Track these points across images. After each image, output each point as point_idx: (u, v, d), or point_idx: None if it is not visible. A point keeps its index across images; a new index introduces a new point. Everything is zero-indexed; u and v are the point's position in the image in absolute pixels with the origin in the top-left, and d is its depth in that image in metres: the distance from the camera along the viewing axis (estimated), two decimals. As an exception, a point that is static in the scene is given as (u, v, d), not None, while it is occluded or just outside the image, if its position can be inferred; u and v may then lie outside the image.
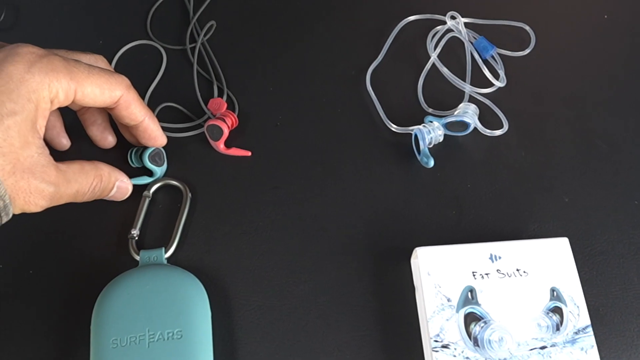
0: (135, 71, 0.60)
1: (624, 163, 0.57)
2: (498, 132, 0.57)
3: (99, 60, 0.51)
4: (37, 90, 0.41)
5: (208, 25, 0.62)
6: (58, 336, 0.49)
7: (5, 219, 0.41)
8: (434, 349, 0.46)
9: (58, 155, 0.45)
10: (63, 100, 0.44)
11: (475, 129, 0.57)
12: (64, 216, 0.53)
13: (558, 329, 0.47)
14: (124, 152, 0.56)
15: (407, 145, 0.57)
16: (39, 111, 0.42)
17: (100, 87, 0.46)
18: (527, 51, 0.62)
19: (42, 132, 0.43)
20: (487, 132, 0.57)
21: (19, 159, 0.40)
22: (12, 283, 0.51)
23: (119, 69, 0.60)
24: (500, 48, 0.62)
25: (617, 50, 0.63)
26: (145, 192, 0.54)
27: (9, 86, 0.40)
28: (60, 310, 0.50)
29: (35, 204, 0.43)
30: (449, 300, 0.48)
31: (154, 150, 0.54)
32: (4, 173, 0.39)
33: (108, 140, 0.55)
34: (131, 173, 0.53)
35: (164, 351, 0.45)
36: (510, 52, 0.62)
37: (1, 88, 0.40)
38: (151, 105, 0.58)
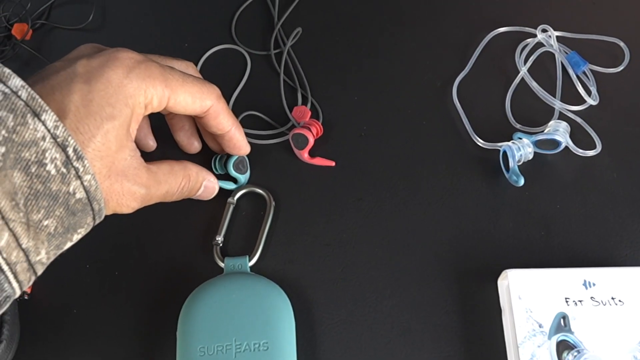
0: (220, 75, 0.61)
1: None
2: (591, 153, 0.55)
3: (190, 67, 0.51)
4: (134, 96, 0.42)
5: (295, 32, 0.62)
6: (142, 340, 0.49)
7: (98, 221, 0.41)
8: (524, 377, 0.45)
9: (144, 156, 0.45)
10: (156, 107, 0.44)
11: (566, 147, 0.56)
12: (150, 218, 0.53)
13: (655, 362, 0.45)
14: (208, 158, 0.56)
15: (494, 162, 0.56)
16: (134, 116, 0.42)
17: (192, 96, 0.46)
18: (620, 68, 0.60)
19: (134, 135, 0.43)
20: (580, 152, 0.55)
21: (114, 162, 0.41)
22: (97, 284, 0.52)
23: (204, 72, 0.60)
24: (593, 64, 0.60)
25: None
26: (230, 199, 0.54)
27: (108, 91, 0.40)
28: (144, 313, 0.50)
29: (127, 205, 0.43)
30: (540, 326, 0.47)
31: (238, 158, 0.54)
32: (100, 176, 0.40)
33: (194, 146, 0.56)
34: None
35: (252, 362, 0.45)
36: (603, 69, 0.60)
37: (100, 93, 0.40)
38: (235, 111, 0.58)
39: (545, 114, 0.58)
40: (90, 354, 0.49)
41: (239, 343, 0.46)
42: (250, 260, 0.51)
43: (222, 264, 0.51)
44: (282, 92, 0.59)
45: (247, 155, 0.55)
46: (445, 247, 0.53)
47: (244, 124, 0.58)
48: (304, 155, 0.56)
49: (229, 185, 0.54)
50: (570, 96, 0.59)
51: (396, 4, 0.65)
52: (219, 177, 0.55)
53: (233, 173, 0.54)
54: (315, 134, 0.56)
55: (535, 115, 0.58)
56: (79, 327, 0.50)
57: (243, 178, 0.55)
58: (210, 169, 0.54)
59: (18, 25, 0.62)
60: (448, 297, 0.51)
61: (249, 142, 0.54)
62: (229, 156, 0.54)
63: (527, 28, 0.62)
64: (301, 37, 0.63)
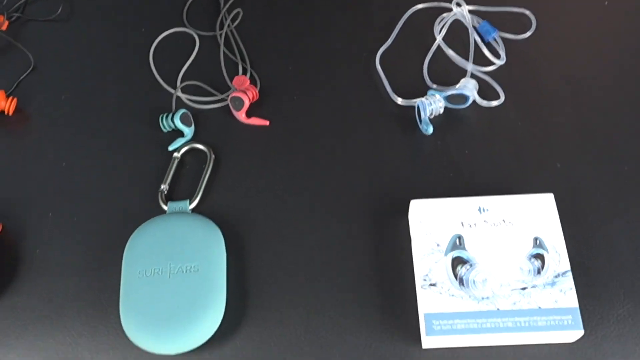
0: (172, 55, 0.69)
1: (616, 133, 0.61)
2: (495, 103, 0.62)
3: None
4: None
5: (235, 12, 0.70)
6: (96, 271, 0.56)
7: None
8: (422, 287, 0.51)
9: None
10: None
11: (475, 103, 0.63)
12: (105, 171, 0.61)
13: (539, 272, 0.51)
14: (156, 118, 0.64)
15: (411, 118, 0.63)
16: None
17: None
18: (527, 34, 0.67)
19: None
20: (484, 103, 0.62)
21: None
22: (59, 229, 0.59)
23: (158, 54, 0.68)
24: (504, 31, 0.67)
25: (613, 35, 0.67)
26: (175, 154, 0.61)
27: None
28: (99, 248, 0.57)
29: None
30: (437, 245, 0.53)
31: (182, 113, 0.61)
32: None
33: None
34: (164, 139, 0.61)
35: (183, 281, 0.52)
36: (512, 35, 0.67)
37: None
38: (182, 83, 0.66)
39: (459, 76, 0.65)
40: (53, 287, 0.56)
41: (173, 266, 0.53)
42: (190, 204, 0.58)
43: (165, 207, 0.58)
44: (222, 63, 0.67)
45: (192, 118, 0.63)
46: (366, 190, 0.59)
47: (188, 91, 0.66)
48: (241, 115, 0.63)
49: (179, 143, 0.62)
50: (483, 60, 0.66)
51: (331, -10, 0.74)
52: (168, 133, 0.63)
53: (180, 125, 0.61)
54: (251, 98, 0.63)
55: (450, 77, 0.65)
56: (40, 265, 0.57)
57: (188, 130, 0.62)
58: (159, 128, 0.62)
59: (-5, 17, 0.70)
60: (366, 232, 0.57)
61: (194, 109, 0.62)
62: (174, 112, 0.62)
63: (444, 3, 0.70)
64: (244, 17, 0.71)
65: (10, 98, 0.64)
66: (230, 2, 0.71)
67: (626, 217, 0.56)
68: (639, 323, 0.52)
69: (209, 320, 0.51)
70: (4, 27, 0.70)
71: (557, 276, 0.51)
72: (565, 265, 0.51)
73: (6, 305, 0.55)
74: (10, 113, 0.64)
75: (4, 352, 0.53)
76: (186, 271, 0.52)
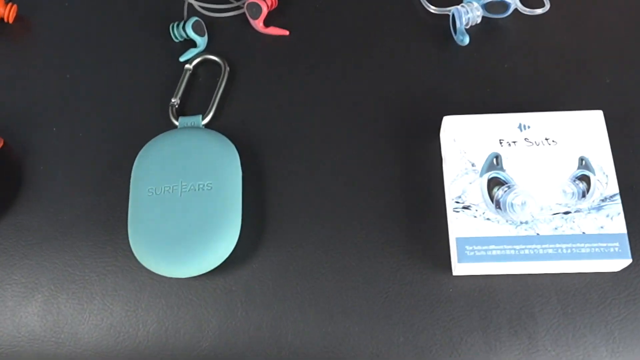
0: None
1: (674, 46, 0.55)
2: (539, 11, 0.55)
3: None
4: None
5: None
6: (104, 189, 0.53)
7: None
8: (454, 210, 0.47)
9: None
10: None
11: (516, 11, 0.56)
12: (112, 84, 0.56)
13: (584, 196, 0.46)
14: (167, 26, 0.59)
15: (445, 27, 0.57)
16: None
17: None
18: (577, -64, 0.60)
19: None
20: (528, 11, 0.55)
21: None
22: (64, 144, 0.55)
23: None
24: None
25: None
26: (187, 65, 0.56)
27: None
28: (107, 165, 0.53)
29: None
30: (473, 165, 0.48)
31: (195, 21, 0.56)
32: None
33: None
34: (175, 48, 0.56)
35: (195, 199, 0.48)
36: (559, -62, 0.60)
37: None
38: (197, -10, 0.61)
39: (499, -17, 0.59)
40: (59, 205, 0.53)
41: (185, 184, 0.49)
42: (203, 119, 0.54)
43: (176, 123, 0.54)
44: (239, -34, 0.61)
45: (205, 26, 0.58)
46: (394, 104, 0.54)
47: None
48: (259, 24, 0.57)
49: (191, 54, 0.57)
50: (526, -35, 0.59)
51: None
52: (179, 44, 0.58)
53: (192, 35, 0.56)
54: (269, 5, 0.58)
55: (489, -16, 0.59)
56: (45, 183, 0.53)
57: (201, 40, 0.57)
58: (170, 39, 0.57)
59: None
60: (395, 148, 0.52)
61: (207, 18, 0.56)
62: (185, 20, 0.56)
63: None
64: None
65: (10, 4, 0.59)
66: None
67: (682, 138, 0.51)
68: (690, 253, 0.48)
69: (223, 241, 0.47)
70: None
71: (604, 200, 0.46)
72: (614, 188, 0.46)
73: (10, 224, 0.52)
74: (11, 21, 0.60)
75: (9, 272, 0.50)
76: (199, 189, 0.48)
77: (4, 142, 0.54)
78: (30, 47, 0.60)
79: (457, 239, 0.46)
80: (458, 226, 0.46)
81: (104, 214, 0.52)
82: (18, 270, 0.50)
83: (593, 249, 0.45)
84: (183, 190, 0.48)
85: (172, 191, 0.48)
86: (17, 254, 0.51)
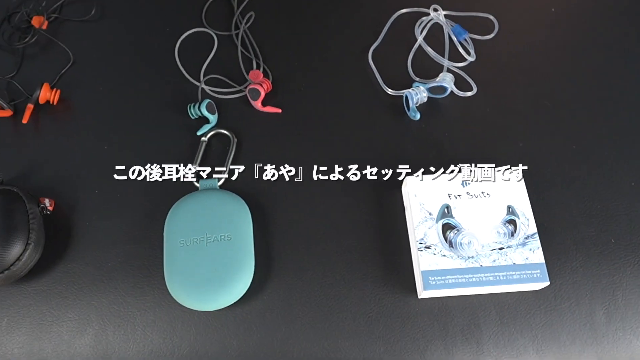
0: (194, 52, 0.63)
1: (566, 117, 0.59)
2: (469, 94, 0.59)
3: None
4: None
5: (248, 15, 0.64)
6: (140, 241, 0.52)
7: None
8: (419, 249, 0.48)
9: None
10: None
11: (452, 93, 0.59)
12: (142, 152, 0.56)
13: (512, 235, 0.49)
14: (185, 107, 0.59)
15: (399, 105, 0.59)
16: None
17: None
18: (492, 35, 0.64)
19: None
20: (461, 93, 0.59)
21: None
22: (105, 204, 0.54)
23: (182, 51, 0.62)
24: (473, 33, 0.63)
25: (561, 35, 0.65)
26: (203, 138, 0.56)
27: None
28: (142, 221, 0.53)
29: None
30: (430, 214, 0.50)
31: (207, 102, 0.57)
32: None
33: None
34: (192, 124, 0.56)
35: (218, 248, 0.48)
36: (479, 36, 0.63)
37: None
38: (204, 77, 0.61)
39: (437, 70, 0.61)
40: (98, 257, 0.51)
41: (209, 236, 0.49)
42: (219, 182, 0.54)
43: (197, 185, 0.54)
44: (240, 60, 0.61)
45: (216, 106, 0.58)
46: (362, 164, 0.55)
47: (211, 84, 0.60)
48: (258, 104, 0.58)
49: (205, 129, 0.57)
50: (456, 56, 0.62)
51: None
52: (195, 120, 0.58)
53: (205, 113, 0.56)
54: (265, 89, 0.59)
55: (429, 71, 0.62)
56: (91, 236, 0.52)
57: (213, 118, 0.57)
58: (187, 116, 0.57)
59: (36, 17, 0.63)
60: (365, 203, 0.54)
61: (217, 99, 0.57)
62: (200, 102, 0.57)
63: (423, 8, 0.65)
64: (256, 19, 0.65)
65: (55, 89, 0.58)
66: (243, 5, 0.66)
67: (576, 186, 0.55)
68: (588, 272, 0.51)
69: (241, 281, 0.48)
70: (44, 27, 0.63)
71: (527, 237, 0.49)
72: (533, 228, 0.49)
73: (63, 271, 0.51)
74: (55, 103, 0.58)
75: (64, 311, 0.49)
76: (220, 240, 0.48)
77: (55, 203, 0.53)
78: (72, 124, 0.58)
79: (423, 272, 0.47)
80: (423, 262, 0.48)
81: (141, 260, 0.51)
82: (71, 309, 0.49)
83: (521, 275, 0.48)
84: (208, 240, 0.48)
85: (199, 242, 0.48)
86: (70, 296, 0.50)
